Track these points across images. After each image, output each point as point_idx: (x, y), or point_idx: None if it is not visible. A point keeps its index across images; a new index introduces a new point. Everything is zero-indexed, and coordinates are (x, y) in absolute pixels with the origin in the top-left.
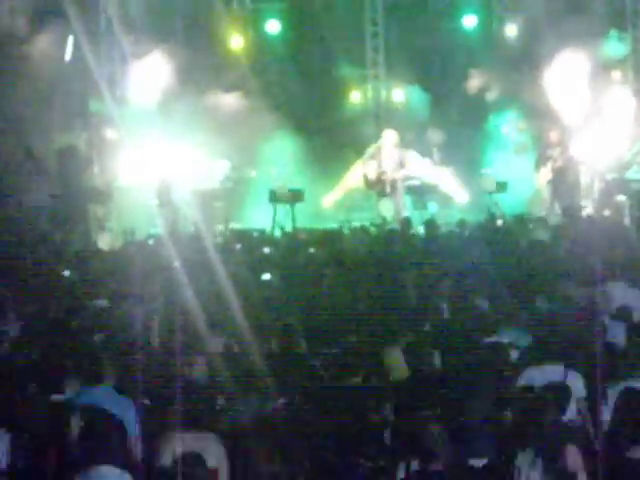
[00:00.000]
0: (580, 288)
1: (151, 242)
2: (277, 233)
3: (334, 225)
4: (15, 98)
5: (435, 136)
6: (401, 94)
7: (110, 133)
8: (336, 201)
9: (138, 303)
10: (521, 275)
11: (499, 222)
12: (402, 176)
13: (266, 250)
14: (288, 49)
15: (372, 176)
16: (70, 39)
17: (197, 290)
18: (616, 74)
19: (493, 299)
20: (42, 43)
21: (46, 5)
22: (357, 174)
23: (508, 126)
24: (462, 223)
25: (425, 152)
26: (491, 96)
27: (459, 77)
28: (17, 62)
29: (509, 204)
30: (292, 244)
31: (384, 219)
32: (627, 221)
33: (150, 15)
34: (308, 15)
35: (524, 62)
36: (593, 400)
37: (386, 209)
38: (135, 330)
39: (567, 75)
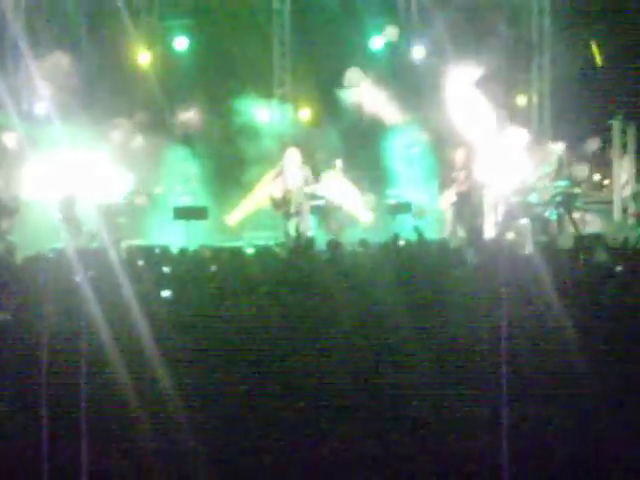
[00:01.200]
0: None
1: (51, 255)
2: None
3: (238, 244)
4: None
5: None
6: (308, 113)
7: (14, 146)
8: (241, 219)
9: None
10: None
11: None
12: (308, 194)
13: (165, 269)
14: (195, 66)
15: (278, 195)
16: None
17: (99, 305)
18: (521, 98)
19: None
20: None
21: None
22: (262, 193)
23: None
24: (364, 243)
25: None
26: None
27: None
28: None
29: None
30: (195, 262)
31: (289, 238)
32: (529, 245)
33: (55, 26)
34: (215, 33)
35: (430, 84)
36: None
37: (293, 229)
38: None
39: (472, 98)
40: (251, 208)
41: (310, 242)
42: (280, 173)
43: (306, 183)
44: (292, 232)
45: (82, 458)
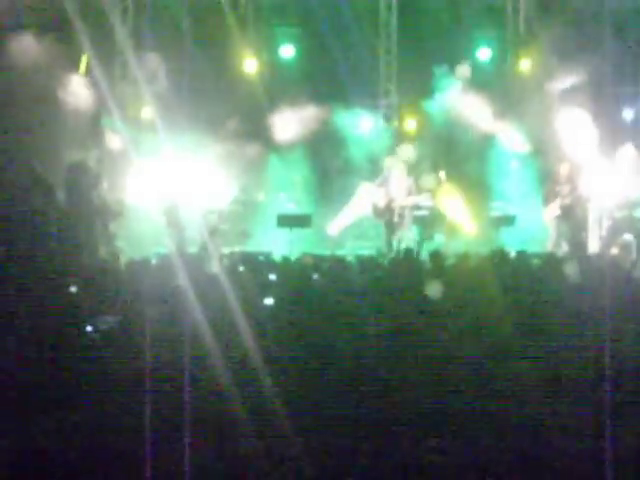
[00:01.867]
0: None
1: (154, 261)
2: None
3: (341, 252)
4: (25, 117)
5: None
6: (413, 123)
7: (120, 150)
8: (342, 228)
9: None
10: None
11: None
12: (411, 204)
13: (272, 277)
14: (301, 74)
15: (380, 204)
16: (84, 57)
17: (201, 310)
18: (628, 113)
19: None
20: (53, 60)
21: (54, 22)
22: (364, 202)
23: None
24: (465, 256)
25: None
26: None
27: None
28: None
29: (516, 238)
30: (298, 269)
31: (391, 248)
32: (634, 260)
33: (161, 33)
34: (322, 42)
35: (536, 96)
36: None
37: (396, 238)
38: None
39: (578, 111)
40: (352, 217)
41: (411, 253)
42: (383, 182)
43: (409, 193)
44: (394, 242)
45: (185, 460)
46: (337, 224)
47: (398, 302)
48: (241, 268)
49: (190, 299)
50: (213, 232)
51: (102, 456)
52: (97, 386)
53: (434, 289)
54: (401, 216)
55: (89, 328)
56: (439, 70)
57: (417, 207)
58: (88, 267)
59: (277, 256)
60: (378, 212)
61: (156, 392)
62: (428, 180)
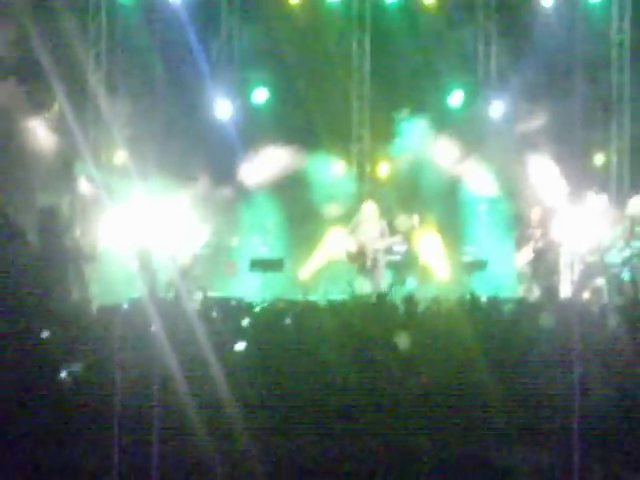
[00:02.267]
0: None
1: (126, 306)
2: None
3: (314, 297)
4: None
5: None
6: (386, 168)
7: (94, 196)
8: (314, 273)
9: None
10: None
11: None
12: (384, 248)
13: (242, 318)
14: (273, 118)
15: (353, 248)
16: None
17: (174, 355)
18: (599, 158)
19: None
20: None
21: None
22: (337, 246)
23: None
24: (436, 300)
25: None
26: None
27: None
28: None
29: (488, 283)
30: (270, 314)
31: (358, 296)
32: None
33: (133, 78)
34: (295, 86)
35: (506, 140)
36: None
37: (362, 285)
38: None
39: (549, 156)
40: (323, 261)
41: (383, 297)
42: (356, 227)
43: (382, 237)
44: (366, 287)
45: None
46: (308, 269)
47: (369, 348)
48: (214, 313)
49: (162, 343)
50: (190, 278)
51: None
52: (69, 430)
53: (404, 339)
54: (374, 260)
55: (63, 374)
56: (398, 115)
57: (391, 251)
58: (60, 312)
59: (249, 301)
60: (351, 256)
61: (127, 437)
62: (402, 223)
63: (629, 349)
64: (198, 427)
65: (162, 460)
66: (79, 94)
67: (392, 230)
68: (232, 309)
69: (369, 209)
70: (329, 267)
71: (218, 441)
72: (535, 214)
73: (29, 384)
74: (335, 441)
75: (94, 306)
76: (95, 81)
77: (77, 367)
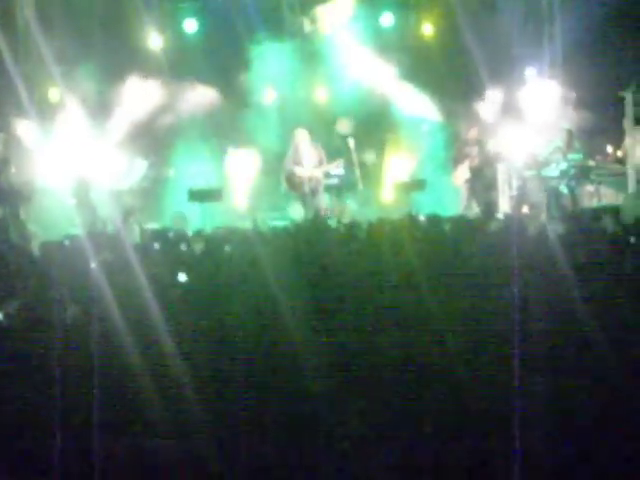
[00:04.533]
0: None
1: (67, 242)
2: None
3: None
4: None
5: (344, 127)
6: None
7: (28, 133)
8: (249, 201)
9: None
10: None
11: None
12: (321, 175)
13: (182, 247)
14: (204, 47)
15: (292, 179)
16: None
17: (115, 290)
18: (531, 70)
19: None
20: None
21: None
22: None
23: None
24: (379, 222)
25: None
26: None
27: None
28: None
29: (428, 203)
30: (210, 243)
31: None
32: (544, 218)
33: (65, 11)
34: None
35: (439, 59)
36: None
37: (296, 212)
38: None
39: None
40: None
41: (321, 220)
42: (293, 153)
43: (320, 162)
44: (295, 215)
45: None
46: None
47: (305, 271)
48: (156, 245)
49: (101, 278)
50: (130, 212)
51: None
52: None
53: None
54: (313, 187)
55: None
56: None
57: (329, 175)
58: None
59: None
60: (290, 184)
61: (63, 376)
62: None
63: (567, 262)
64: (138, 364)
65: (102, 401)
66: (10, 29)
67: (329, 155)
68: (171, 240)
69: (302, 135)
70: (269, 194)
71: (158, 379)
72: (472, 132)
73: None
74: (277, 376)
75: (35, 244)
76: (27, 16)
77: (15, 305)
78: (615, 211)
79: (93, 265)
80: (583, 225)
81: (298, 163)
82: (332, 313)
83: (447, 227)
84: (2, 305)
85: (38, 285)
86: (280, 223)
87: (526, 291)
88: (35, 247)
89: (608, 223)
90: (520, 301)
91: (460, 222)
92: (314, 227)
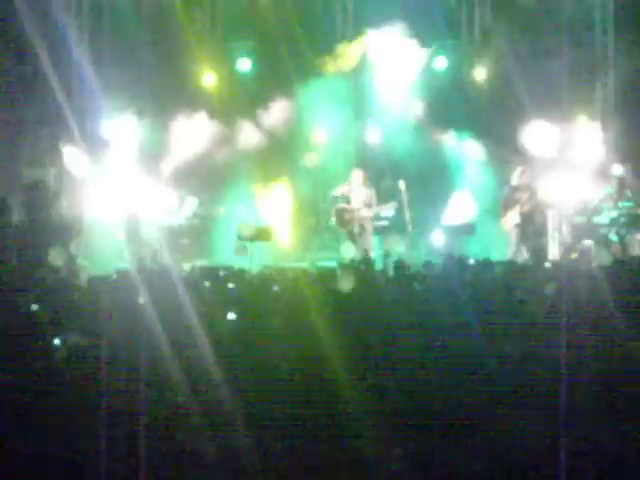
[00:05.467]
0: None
1: (116, 277)
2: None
3: (303, 264)
4: None
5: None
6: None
7: (80, 167)
8: (304, 240)
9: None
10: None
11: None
12: (371, 215)
13: (231, 286)
14: (258, 86)
15: (342, 215)
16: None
17: (163, 326)
18: (583, 118)
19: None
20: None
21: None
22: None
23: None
24: (428, 264)
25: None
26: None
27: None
28: None
29: (475, 246)
30: (260, 282)
31: (345, 261)
32: (593, 266)
33: (119, 47)
34: (276, 54)
35: (493, 104)
36: None
37: (347, 251)
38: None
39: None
40: (313, 228)
41: (372, 262)
42: (346, 193)
43: (370, 204)
44: (346, 255)
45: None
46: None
47: (356, 313)
48: (205, 283)
49: (150, 313)
50: (174, 245)
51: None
52: (65, 400)
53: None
54: (362, 227)
55: (56, 341)
56: None
57: (378, 217)
58: (49, 284)
59: (238, 269)
60: (340, 221)
61: (110, 412)
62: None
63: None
64: (187, 399)
65: (150, 432)
66: (65, 62)
67: (380, 196)
68: (221, 279)
69: (357, 176)
70: (318, 235)
71: (207, 414)
72: (522, 176)
73: (21, 357)
74: (323, 409)
75: (84, 277)
76: (79, 51)
77: (69, 337)
78: None
79: (141, 300)
80: (633, 273)
81: (350, 202)
82: (376, 357)
83: (498, 270)
84: (57, 336)
85: (88, 318)
86: (328, 263)
87: (575, 338)
88: (84, 281)
89: None
90: (568, 348)
91: (511, 267)
92: (360, 270)
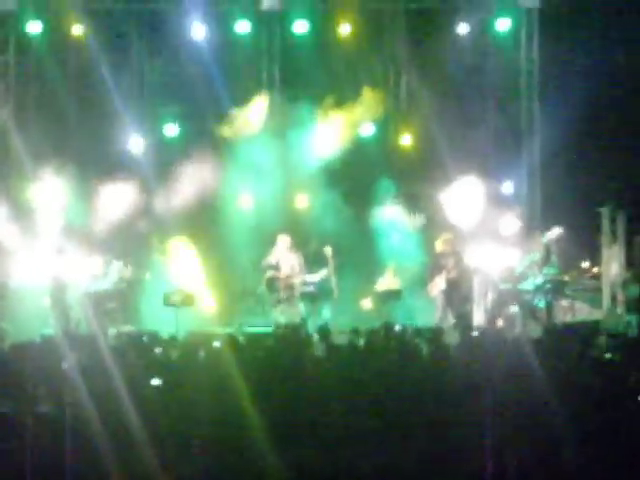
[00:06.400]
0: None
1: (40, 342)
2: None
3: (229, 330)
4: None
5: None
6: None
7: (4, 233)
8: (229, 305)
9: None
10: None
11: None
12: (298, 281)
13: (158, 351)
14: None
15: (272, 283)
16: None
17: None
18: (508, 185)
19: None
20: None
21: None
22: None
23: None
24: (355, 331)
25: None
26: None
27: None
28: None
29: (401, 312)
30: (185, 348)
31: (278, 326)
32: (518, 332)
33: (42, 106)
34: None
35: (421, 174)
36: None
37: (281, 316)
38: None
39: (463, 190)
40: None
41: (299, 329)
42: (274, 259)
43: (298, 269)
44: (281, 319)
45: None
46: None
47: (284, 381)
48: (131, 349)
49: (74, 379)
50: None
51: None
52: None
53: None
54: (290, 293)
55: None
56: None
57: (305, 283)
58: None
59: (164, 335)
60: (271, 289)
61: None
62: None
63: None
64: (112, 463)
65: None
66: None
67: (312, 261)
68: (145, 344)
69: (283, 241)
70: (244, 300)
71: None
72: (446, 243)
73: None
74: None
75: (6, 343)
76: (4, 115)
77: None
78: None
79: (65, 366)
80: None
81: (277, 268)
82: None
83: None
84: None
85: (11, 385)
86: (255, 329)
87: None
88: (6, 346)
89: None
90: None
91: (436, 333)
92: (289, 335)
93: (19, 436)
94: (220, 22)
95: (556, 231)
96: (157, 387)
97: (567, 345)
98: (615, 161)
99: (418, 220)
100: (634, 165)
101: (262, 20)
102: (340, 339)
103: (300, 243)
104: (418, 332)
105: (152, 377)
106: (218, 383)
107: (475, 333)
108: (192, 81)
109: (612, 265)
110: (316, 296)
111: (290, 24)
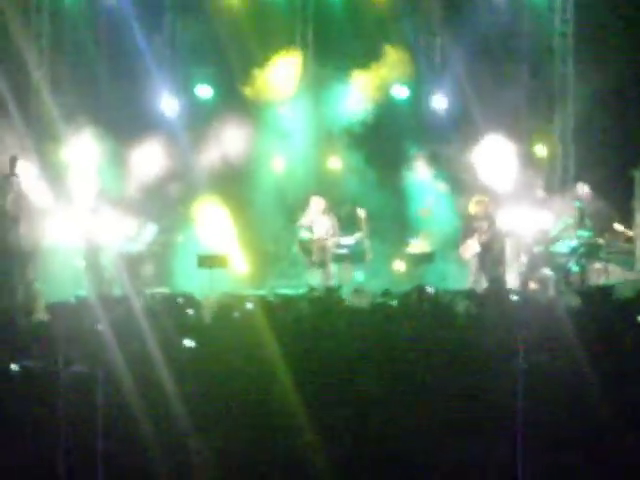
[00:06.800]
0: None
1: (75, 303)
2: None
3: (261, 292)
4: None
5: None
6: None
7: (38, 192)
8: (262, 268)
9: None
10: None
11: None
12: (332, 244)
13: (191, 312)
14: (218, 113)
15: (306, 245)
16: None
17: (121, 352)
18: (542, 148)
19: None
20: None
21: None
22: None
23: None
24: (386, 293)
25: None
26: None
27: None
28: None
29: (434, 275)
30: (219, 309)
31: (311, 288)
32: (552, 294)
33: (76, 71)
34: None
35: (451, 134)
36: None
37: (313, 278)
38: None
39: (495, 151)
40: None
41: (333, 292)
42: (307, 221)
43: (333, 232)
44: (313, 282)
45: None
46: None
47: (317, 344)
48: (164, 310)
49: (109, 341)
50: (133, 272)
51: None
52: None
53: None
54: (324, 255)
55: (14, 366)
56: None
57: (339, 245)
58: (5, 309)
59: (198, 297)
60: (305, 251)
61: (72, 435)
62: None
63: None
64: (143, 426)
65: (106, 458)
66: (22, 90)
67: (345, 223)
68: (180, 306)
69: (317, 204)
70: (278, 262)
71: (165, 441)
72: (481, 206)
73: None
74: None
75: (41, 303)
76: (38, 77)
77: (26, 363)
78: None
79: (100, 327)
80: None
81: (311, 230)
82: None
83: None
84: (15, 361)
85: (46, 344)
86: (288, 291)
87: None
88: (41, 307)
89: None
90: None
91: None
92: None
93: (53, 395)
94: None
95: (584, 188)
96: (190, 348)
97: (606, 310)
98: None
99: (451, 182)
100: None
101: None
102: (373, 301)
103: (333, 205)
104: (453, 295)
105: (186, 338)
106: (252, 345)
107: (511, 296)
108: (225, 42)
109: None
110: (349, 258)
111: None
